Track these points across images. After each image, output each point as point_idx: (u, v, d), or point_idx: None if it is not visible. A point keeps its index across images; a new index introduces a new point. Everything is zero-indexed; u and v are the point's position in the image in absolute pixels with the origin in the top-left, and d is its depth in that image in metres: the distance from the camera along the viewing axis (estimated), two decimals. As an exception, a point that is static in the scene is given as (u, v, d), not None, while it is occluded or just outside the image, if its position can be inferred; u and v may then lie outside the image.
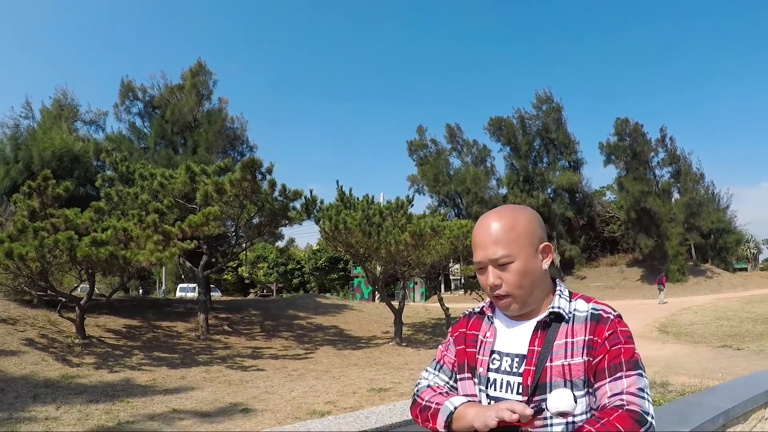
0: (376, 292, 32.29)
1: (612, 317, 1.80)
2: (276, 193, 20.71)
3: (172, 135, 31.19)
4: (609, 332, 1.76)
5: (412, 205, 21.76)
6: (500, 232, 1.80)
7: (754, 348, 17.82)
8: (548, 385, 1.74)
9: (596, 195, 68.32)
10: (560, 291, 1.89)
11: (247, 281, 69.46)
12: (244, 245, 25.17)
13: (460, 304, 40.10)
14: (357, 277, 54.13)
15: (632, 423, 1.59)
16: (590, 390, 1.75)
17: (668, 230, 53.45)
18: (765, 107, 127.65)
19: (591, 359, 1.74)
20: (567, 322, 1.81)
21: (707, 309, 31.23)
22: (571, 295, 1.90)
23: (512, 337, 1.88)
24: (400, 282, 23.24)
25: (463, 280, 34.64)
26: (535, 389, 1.75)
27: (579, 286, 53.35)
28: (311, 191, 21.35)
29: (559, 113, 61.51)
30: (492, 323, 1.95)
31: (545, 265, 1.85)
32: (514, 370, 1.82)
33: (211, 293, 31.44)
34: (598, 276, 57.72)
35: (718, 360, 14.93)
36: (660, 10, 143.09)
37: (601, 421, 1.61)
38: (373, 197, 21.42)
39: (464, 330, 2.03)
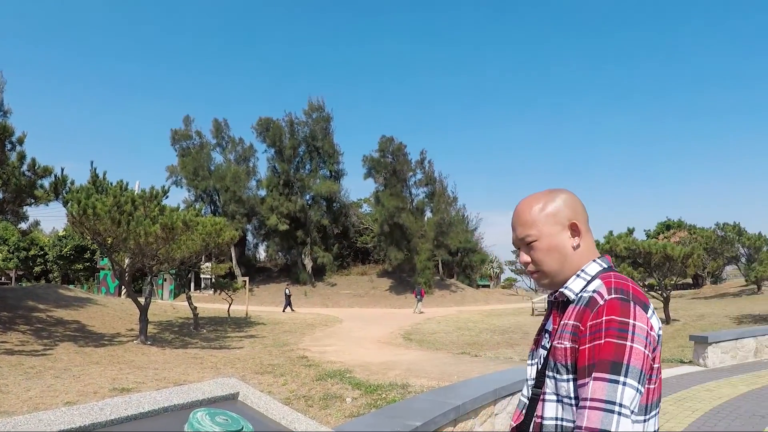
0: (123, 287, 30.36)
1: (603, 302, 1.65)
2: (24, 168, 18.54)
3: None
4: (593, 321, 1.64)
5: (167, 197, 20.63)
6: (525, 213, 1.85)
7: (490, 355, 19.13)
8: (549, 363, 1.78)
9: (353, 206, 70.45)
10: (581, 271, 1.82)
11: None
12: (-21, 223, 22.36)
13: (210, 303, 39.03)
14: (104, 269, 50.47)
15: None
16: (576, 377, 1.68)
17: (418, 245, 56.45)
18: (516, 141, 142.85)
19: (576, 347, 1.68)
20: (574, 303, 1.77)
21: (450, 320, 33.35)
22: (601, 275, 1.78)
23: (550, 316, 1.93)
24: (148, 277, 21.94)
25: (213, 279, 33.57)
26: (545, 365, 1.81)
27: (330, 292, 54.29)
28: (62, 170, 19.26)
29: (328, 123, 62.77)
30: (550, 306, 1.98)
31: (573, 242, 1.83)
32: (547, 345, 1.86)
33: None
34: (348, 284, 59.17)
35: (457, 365, 15.63)
36: (429, 37, 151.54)
37: None
38: (127, 184, 19.81)
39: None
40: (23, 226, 24.96)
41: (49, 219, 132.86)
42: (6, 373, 12.36)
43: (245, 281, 39.50)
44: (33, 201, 20.05)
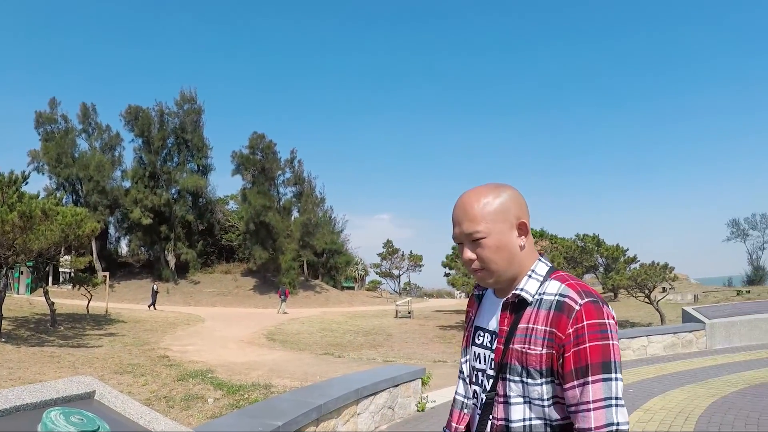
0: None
1: (579, 307, 1.68)
2: None
3: None
4: (573, 327, 1.66)
5: (27, 183, 19.85)
6: (473, 208, 1.80)
7: (353, 356, 19.59)
8: (508, 366, 1.76)
9: (219, 202, 69.17)
10: (532, 271, 1.84)
11: None
12: None
13: (68, 299, 37.49)
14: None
15: None
16: (555, 380, 1.70)
17: (284, 245, 56.33)
18: (377, 148, 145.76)
19: (554, 353, 1.69)
20: (531, 305, 1.77)
21: (314, 321, 33.67)
22: (552, 275, 1.82)
23: (491, 314, 1.92)
24: (3, 269, 21.01)
25: (72, 273, 32.38)
26: (502, 369, 1.78)
27: (193, 290, 53.32)
28: None
29: (199, 115, 61.29)
30: (479, 301, 2.03)
31: (521, 241, 1.83)
32: (489, 344, 1.88)
33: None
34: (212, 282, 58.14)
35: (320, 365, 16.05)
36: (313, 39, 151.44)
37: None
38: (-16, 168, 18.94)
39: (468, 309, 2.12)
40: None
41: None
42: None
43: (105, 276, 38.14)
44: None
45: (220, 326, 28.91)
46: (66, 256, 38.90)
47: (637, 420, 7.71)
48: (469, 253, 1.83)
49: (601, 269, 46.46)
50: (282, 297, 42.26)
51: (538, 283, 1.80)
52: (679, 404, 8.62)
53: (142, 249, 63.86)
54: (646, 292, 26.03)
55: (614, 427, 1.59)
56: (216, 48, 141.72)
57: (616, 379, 1.64)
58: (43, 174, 57.29)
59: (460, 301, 62.29)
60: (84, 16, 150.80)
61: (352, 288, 74.70)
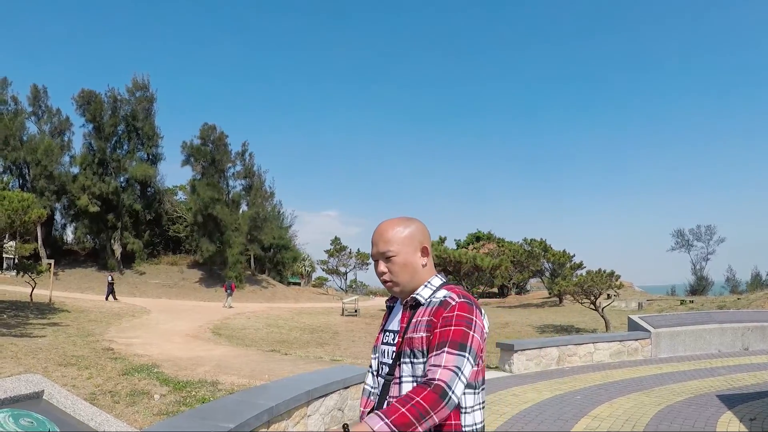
0: None
1: (455, 303, 2.17)
2: None
3: None
4: (446, 315, 2.14)
5: (-28, 166, 19.46)
6: (388, 233, 2.32)
7: (300, 354, 19.60)
8: (402, 352, 2.24)
9: (168, 193, 68.29)
10: (428, 282, 2.35)
11: None
12: None
13: (11, 286, 36.83)
14: None
15: (435, 398, 1.94)
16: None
17: (231, 239, 56.04)
18: (329, 146, 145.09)
19: (429, 336, 2.15)
20: (424, 305, 2.27)
21: (260, 316, 33.58)
22: (444, 287, 2.32)
23: (397, 318, 2.41)
24: (-55, 254, 20.67)
25: (17, 260, 31.84)
26: (398, 356, 2.26)
27: (138, 281, 52.67)
28: None
29: (151, 103, 60.21)
30: (389, 311, 2.53)
31: (423, 261, 2.34)
32: (392, 341, 2.36)
33: None
34: (158, 273, 57.51)
35: (267, 363, 15.90)
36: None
37: (408, 403, 1.95)
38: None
39: (383, 318, 2.59)
40: None
41: None
42: None
43: (50, 264, 37.53)
44: None
45: (166, 318, 28.74)
46: (11, 242, 38.20)
47: (584, 427, 7.87)
48: (382, 267, 2.34)
49: (548, 274, 47.16)
50: (228, 291, 41.93)
51: (431, 291, 2.31)
52: (626, 412, 8.78)
53: (88, 237, 62.42)
54: (592, 298, 26.54)
55: (450, 393, 1.98)
56: (171, 36, 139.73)
57: (468, 359, 2.06)
58: (-11, 158, 55.97)
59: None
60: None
61: (299, 284, 74.32)
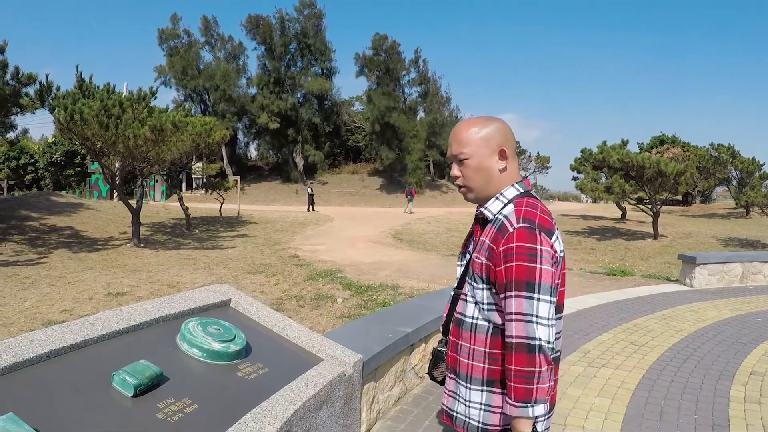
0: (114, 191, 30.38)
1: (512, 229, 1.94)
2: (8, 77, 18.17)
3: None
4: (504, 246, 1.94)
5: (156, 98, 20.33)
6: (461, 134, 2.11)
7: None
8: (470, 270, 2.13)
9: (345, 104, 69.59)
10: (500, 194, 2.11)
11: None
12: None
13: (201, 203, 39.19)
14: (95, 173, 50.03)
15: (524, 357, 1.85)
16: (493, 289, 2.02)
17: (410, 145, 56.16)
18: (512, 41, 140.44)
19: (491, 266, 1.98)
20: (491, 223, 2.07)
21: (440, 221, 33.52)
22: (515, 200, 2.07)
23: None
24: (139, 179, 21.88)
25: (205, 180, 33.58)
26: (466, 270, 2.18)
27: (321, 191, 54.49)
28: (47, 76, 18.83)
29: (320, 20, 61.10)
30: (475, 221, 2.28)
31: (500, 165, 2.10)
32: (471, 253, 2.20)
33: None
34: (339, 182, 59.38)
35: (446, 267, 15.72)
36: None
37: (511, 375, 1.87)
38: (114, 86, 19.42)
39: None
40: (11, 135, 24.76)
41: (38, 126, 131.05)
42: (2, 284, 12.32)
43: (236, 180, 39.46)
44: (19, 110, 19.82)
45: (349, 225, 29.29)
46: (198, 164, 40.43)
47: (764, 353, 6.99)
48: (456, 171, 2.17)
49: (735, 183, 43.71)
50: (408, 197, 42.38)
51: (501, 204, 2.09)
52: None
53: (271, 152, 65.79)
54: (783, 211, 23.82)
55: (536, 342, 1.85)
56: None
57: (539, 299, 1.87)
58: (170, 87, 60.15)
59: (587, 206, 60.66)
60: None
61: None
